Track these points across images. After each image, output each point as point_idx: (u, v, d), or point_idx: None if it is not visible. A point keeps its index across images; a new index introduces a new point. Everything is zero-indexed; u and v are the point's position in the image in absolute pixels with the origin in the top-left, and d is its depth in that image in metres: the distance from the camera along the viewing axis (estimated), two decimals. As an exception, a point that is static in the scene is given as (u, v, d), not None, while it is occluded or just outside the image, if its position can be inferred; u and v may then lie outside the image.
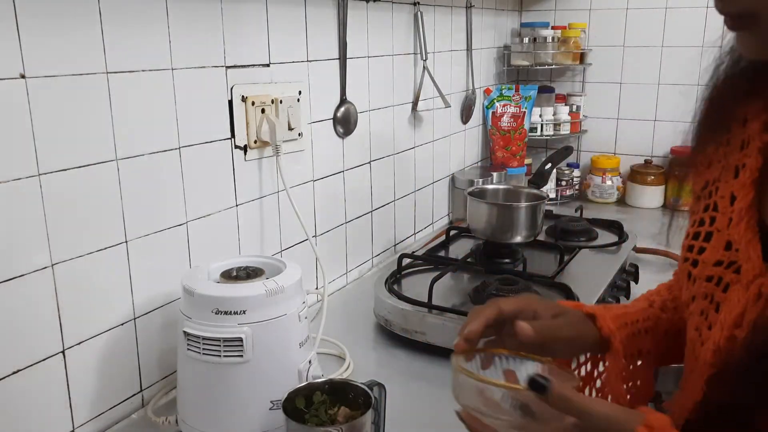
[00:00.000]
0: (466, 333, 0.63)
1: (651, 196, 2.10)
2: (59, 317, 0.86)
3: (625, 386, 0.67)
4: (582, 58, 2.14)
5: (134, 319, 0.97)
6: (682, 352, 0.66)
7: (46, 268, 0.83)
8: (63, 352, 0.87)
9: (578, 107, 2.17)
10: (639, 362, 0.68)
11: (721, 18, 0.52)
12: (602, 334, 0.66)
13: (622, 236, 1.60)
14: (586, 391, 0.70)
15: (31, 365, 0.83)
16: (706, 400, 0.55)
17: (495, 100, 2.07)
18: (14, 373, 0.81)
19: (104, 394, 0.94)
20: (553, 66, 2.13)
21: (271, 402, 0.85)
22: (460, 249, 1.58)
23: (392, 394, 0.96)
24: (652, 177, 2.08)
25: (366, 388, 0.80)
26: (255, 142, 1.14)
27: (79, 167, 0.86)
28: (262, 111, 1.13)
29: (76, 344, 0.88)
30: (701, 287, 0.58)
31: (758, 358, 0.48)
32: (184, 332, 0.85)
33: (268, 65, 1.16)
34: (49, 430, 0.87)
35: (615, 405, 0.52)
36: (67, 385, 0.88)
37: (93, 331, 0.91)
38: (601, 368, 0.70)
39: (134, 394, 0.98)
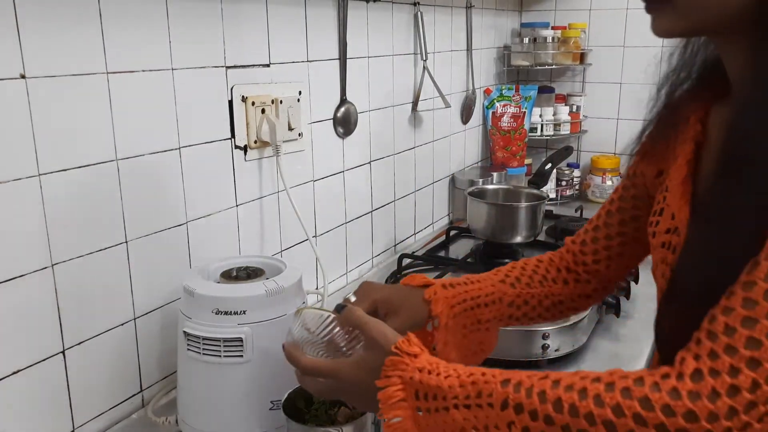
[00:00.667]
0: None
1: (651, 196, 2.10)
2: (59, 317, 0.86)
3: (455, 352, 0.81)
4: (582, 58, 2.14)
5: (134, 319, 0.97)
6: (530, 316, 0.86)
7: (46, 268, 0.83)
8: (63, 352, 0.87)
9: (578, 107, 2.17)
10: (478, 329, 0.83)
11: None
12: (434, 315, 0.80)
13: (622, 236, 1.60)
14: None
15: (32, 365, 0.83)
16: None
17: (495, 100, 2.07)
18: (14, 373, 0.81)
19: (104, 394, 0.94)
20: (553, 66, 2.13)
21: (271, 402, 0.85)
22: (460, 249, 1.58)
23: (392, 395, 0.96)
24: (652, 177, 2.08)
25: None
26: (255, 142, 1.14)
27: (79, 167, 0.86)
28: (262, 111, 1.13)
29: (77, 344, 0.88)
30: (658, 253, 0.69)
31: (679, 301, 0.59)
32: (184, 332, 0.85)
33: (268, 65, 1.16)
34: (50, 430, 0.87)
35: (389, 329, 0.66)
36: (68, 385, 0.88)
37: (93, 332, 0.91)
38: None
39: (134, 394, 0.98)
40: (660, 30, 0.58)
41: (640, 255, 0.85)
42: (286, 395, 0.80)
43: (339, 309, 0.71)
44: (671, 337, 0.61)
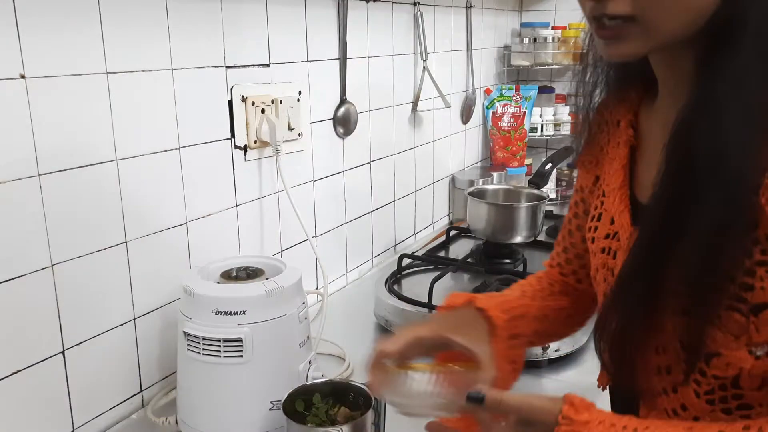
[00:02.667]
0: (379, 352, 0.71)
1: (651, 196, 2.10)
2: (59, 318, 0.86)
3: (508, 365, 0.74)
4: (582, 58, 2.14)
5: (134, 319, 0.97)
6: (551, 332, 0.82)
7: (45, 268, 0.83)
8: (63, 352, 0.87)
9: (578, 107, 2.17)
10: (517, 342, 0.77)
11: None
12: (491, 323, 0.74)
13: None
14: None
15: (31, 365, 0.83)
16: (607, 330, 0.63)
17: (495, 100, 2.07)
18: (14, 373, 0.81)
19: (104, 395, 0.94)
20: (553, 66, 2.13)
21: (271, 402, 0.85)
22: (460, 249, 1.59)
23: (392, 395, 0.96)
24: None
25: (366, 389, 0.80)
26: (255, 142, 1.14)
27: (79, 167, 0.86)
28: (262, 111, 1.13)
29: (76, 344, 0.88)
30: (599, 259, 0.68)
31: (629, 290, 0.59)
32: (184, 332, 0.85)
33: (268, 65, 1.16)
34: (50, 430, 0.87)
35: (537, 395, 0.60)
36: (67, 385, 0.88)
37: (93, 332, 0.91)
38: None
39: (134, 395, 0.98)
40: (622, 54, 0.56)
41: None
42: (285, 395, 0.80)
43: (475, 400, 0.61)
44: (613, 345, 0.61)
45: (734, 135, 0.50)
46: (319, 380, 0.86)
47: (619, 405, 0.73)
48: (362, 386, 0.81)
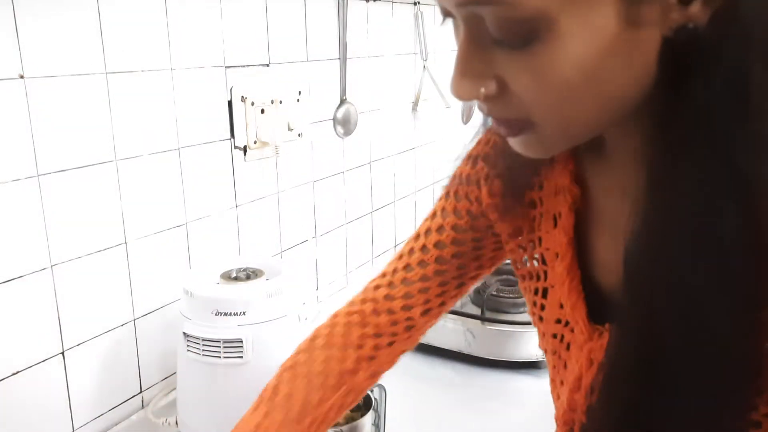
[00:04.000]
0: None
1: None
2: (59, 318, 0.86)
3: None
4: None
5: (134, 320, 0.97)
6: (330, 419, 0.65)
7: (45, 269, 0.84)
8: (63, 353, 0.87)
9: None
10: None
11: None
12: None
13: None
14: None
15: (31, 367, 0.84)
16: None
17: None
18: (14, 374, 0.82)
19: (104, 396, 0.94)
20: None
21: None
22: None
23: (392, 396, 0.97)
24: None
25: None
26: (255, 142, 1.14)
27: (79, 168, 0.86)
28: (262, 111, 1.14)
29: (76, 345, 0.89)
30: (550, 343, 0.57)
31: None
32: (184, 333, 0.85)
33: (267, 65, 1.16)
34: (51, 431, 0.87)
35: None
36: (67, 386, 0.88)
37: (93, 333, 0.91)
38: None
39: (134, 396, 0.99)
40: (533, 152, 0.45)
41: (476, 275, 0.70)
42: None
43: None
44: None
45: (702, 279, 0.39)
46: None
47: None
48: None
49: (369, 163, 1.51)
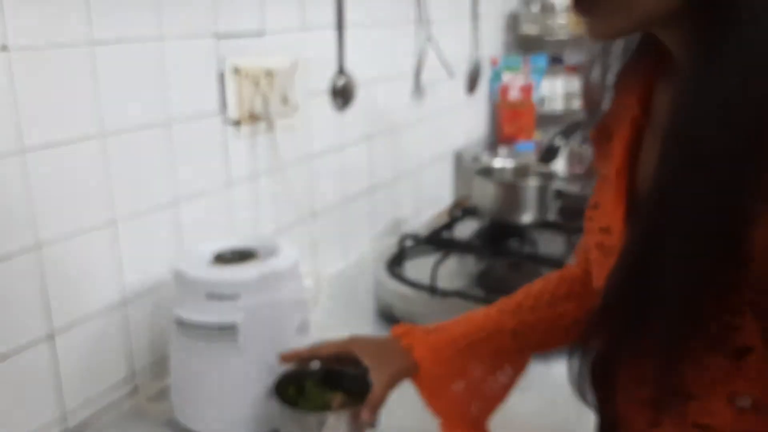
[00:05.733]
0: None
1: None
2: (46, 300, 0.87)
3: (441, 401, 0.77)
4: (596, 26, 2.13)
5: (125, 302, 0.98)
6: (549, 343, 0.80)
7: (31, 249, 0.84)
8: (51, 336, 0.88)
9: (591, 79, 2.16)
10: (484, 379, 0.78)
11: None
12: (415, 363, 0.76)
13: (636, 216, 1.60)
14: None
15: (19, 350, 0.84)
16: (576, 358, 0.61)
17: (502, 72, 2.06)
18: (1, 359, 0.82)
19: (95, 379, 0.95)
20: (565, 36, 2.12)
21: (267, 388, 0.87)
22: (465, 229, 1.59)
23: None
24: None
25: (363, 376, 0.79)
26: (248, 116, 1.14)
27: (65, 143, 0.86)
28: (256, 83, 1.13)
29: (66, 328, 0.90)
30: (595, 254, 0.65)
31: (601, 320, 0.55)
32: (176, 317, 0.86)
33: (261, 35, 1.15)
34: (39, 416, 0.88)
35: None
36: (57, 369, 0.89)
37: (83, 315, 0.92)
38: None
39: (126, 379, 1.00)
40: (591, 34, 0.55)
41: None
42: (276, 380, 0.80)
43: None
44: (594, 371, 0.58)
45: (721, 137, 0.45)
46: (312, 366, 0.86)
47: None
48: (357, 372, 0.80)
49: (369, 137, 1.50)
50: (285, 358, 0.82)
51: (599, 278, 0.62)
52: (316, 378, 0.82)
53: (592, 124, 0.70)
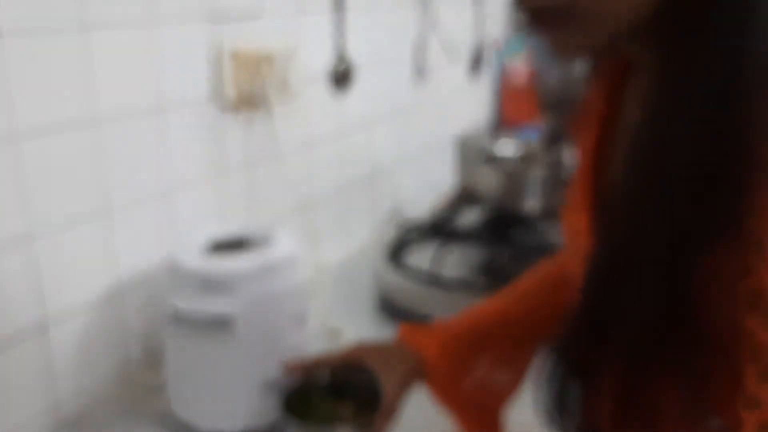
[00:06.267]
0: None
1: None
2: (39, 289, 0.86)
3: (453, 398, 0.76)
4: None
5: (119, 293, 0.97)
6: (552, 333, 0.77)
7: (23, 237, 0.83)
8: (44, 327, 0.88)
9: (598, 62, 2.14)
10: (485, 360, 0.77)
11: None
12: (424, 363, 0.75)
13: (643, 204, 1.60)
14: None
15: (12, 339, 0.84)
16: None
17: (508, 53, 2.05)
18: (-10, 350, 0.82)
19: (90, 369, 0.95)
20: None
21: (265, 382, 0.86)
22: (467, 218, 1.58)
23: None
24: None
25: (370, 382, 0.76)
26: (245, 101, 1.13)
27: (57, 130, 0.85)
28: (253, 68, 1.12)
29: (59, 318, 0.89)
30: (570, 245, 0.64)
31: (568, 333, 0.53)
32: (171, 308, 0.85)
33: (258, 18, 1.14)
34: (33, 406, 0.88)
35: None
36: (51, 358, 0.89)
37: (76, 305, 0.92)
38: None
39: (120, 371, 1.00)
40: (563, 51, 0.52)
41: None
42: (283, 393, 0.77)
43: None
44: (573, 364, 0.55)
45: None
46: (318, 374, 0.81)
47: None
48: (366, 381, 0.77)
49: (369, 123, 1.49)
50: (289, 369, 0.80)
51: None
52: (324, 389, 0.79)
53: (562, 123, 0.68)
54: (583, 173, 0.60)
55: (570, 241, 0.64)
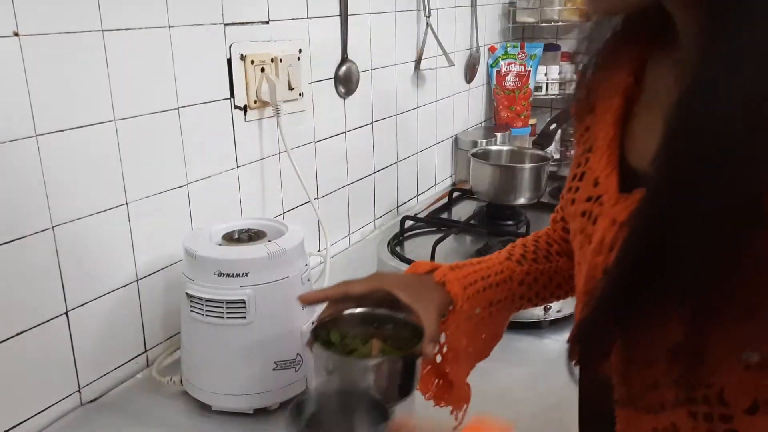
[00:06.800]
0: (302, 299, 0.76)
1: (657, 157, 2.09)
2: (61, 279, 0.86)
3: (466, 339, 0.76)
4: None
5: (137, 280, 0.97)
6: (543, 296, 0.79)
7: (46, 230, 0.83)
8: (66, 313, 0.88)
9: (585, 66, 2.14)
10: (490, 311, 0.77)
11: None
12: (449, 297, 0.74)
13: (627, 198, 1.60)
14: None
15: (35, 326, 0.84)
16: (580, 325, 0.58)
17: (500, 59, 2.04)
18: (18, 334, 0.82)
19: (109, 355, 0.95)
20: (560, 23, 2.10)
21: (275, 363, 0.87)
22: (463, 211, 1.58)
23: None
24: (659, 137, 2.07)
25: (412, 322, 0.71)
26: (255, 102, 1.13)
27: (77, 128, 0.85)
28: (262, 70, 1.12)
29: (79, 306, 0.89)
30: (578, 223, 0.62)
31: (615, 288, 0.50)
32: (187, 294, 0.86)
33: (267, 22, 1.14)
34: (55, 390, 0.88)
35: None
36: (72, 346, 0.89)
37: (96, 293, 0.92)
38: None
39: (139, 355, 1.00)
40: (594, 8, 0.51)
41: None
42: (314, 327, 0.73)
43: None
44: (592, 347, 0.55)
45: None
46: (354, 310, 0.76)
47: (589, 417, 0.67)
48: (405, 318, 0.73)
49: (371, 123, 1.49)
50: (313, 299, 0.77)
51: (583, 244, 0.60)
52: (354, 322, 0.74)
53: (577, 96, 0.68)
54: (611, 142, 0.59)
55: (577, 209, 0.63)
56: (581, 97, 0.67)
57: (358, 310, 0.75)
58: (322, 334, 0.72)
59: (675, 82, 0.51)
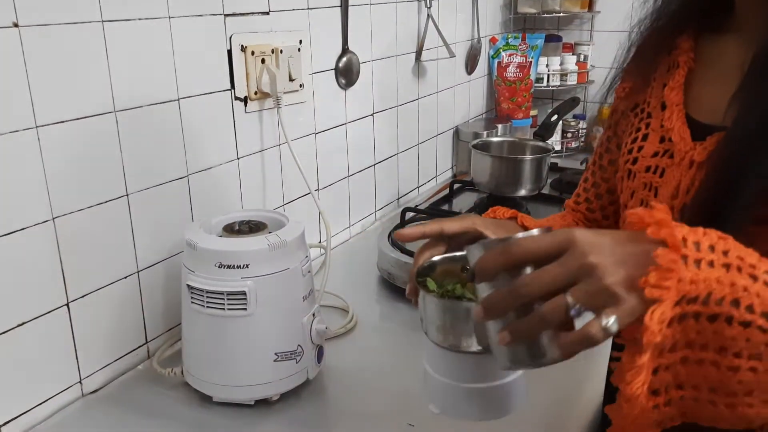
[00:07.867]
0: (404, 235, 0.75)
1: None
2: (62, 270, 0.86)
3: None
4: (590, 5, 2.09)
5: (138, 272, 0.97)
6: None
7: (47, 221, 0.83)
8: (67, 304, 0.88)
9: (586, 57, 2.13)
10: None
11: None
12: None
13: (628, 189, 1.59)
14: None
15: (36, 318, 0.84)
16: None
17: (501, 50, 2.03)
18: (19, 325, 0.82)
19: (110, 346, 0.95)
20: (561, 14, 2.08)
21: (276, 354, 0.87)
22: (463, 202, 1.58)
23: (395, 347, 0.98)
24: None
25: None
26: (255, 93, 1.12)
27: (77, 119, 0.85)
28: (262, 61, 1.11)
29: (80, 297, 0.89)
30: (641, 179, 0.68)
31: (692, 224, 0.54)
32: (188, 285, 0.85)
33: (267, 13, 1.13)
34: (56, 382, 0.88)
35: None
36: (73, 337, 0.89)
37: (97, 284, 0.91)
38: None
39: (140, 346, 1.00)
40: None
41: None
42: (418, 271, 0.69)
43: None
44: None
45: None
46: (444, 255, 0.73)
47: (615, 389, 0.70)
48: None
49: (372, 114, 1.49)
50: (411, 235, 0.74)
51: (647, 198, 0.67)
52: (456, 266, 0.70)
53: (623, 76, 0.76)
54: (678, 101, 0.67)
55: (641, 165, 0.69)
56: (628, 78, 0.75)
57: (448, 255, 0.72)
58: (421, 282, 0.68)
59: (737, 49, 0.62)
